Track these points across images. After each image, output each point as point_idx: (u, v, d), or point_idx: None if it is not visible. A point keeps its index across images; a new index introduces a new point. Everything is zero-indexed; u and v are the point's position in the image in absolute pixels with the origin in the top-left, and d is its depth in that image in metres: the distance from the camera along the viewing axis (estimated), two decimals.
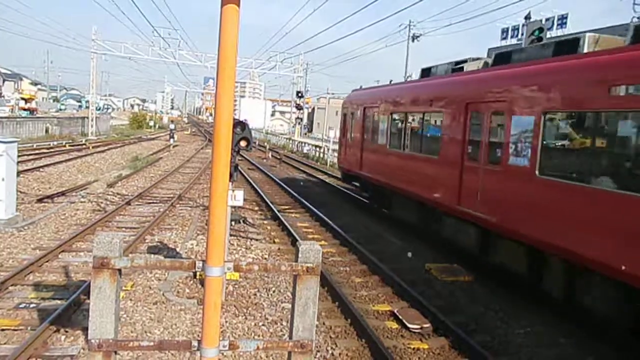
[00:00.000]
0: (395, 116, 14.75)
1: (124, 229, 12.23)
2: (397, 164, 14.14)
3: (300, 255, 3.45)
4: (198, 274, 8.45)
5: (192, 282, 8.71)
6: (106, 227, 12.31)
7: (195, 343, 3.23)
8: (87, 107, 54.28)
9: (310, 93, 70.59)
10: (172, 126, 43.96)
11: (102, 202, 15.36)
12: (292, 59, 48.21)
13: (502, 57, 10.57)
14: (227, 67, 2.92)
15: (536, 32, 17.60)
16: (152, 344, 4.01)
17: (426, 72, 14.31)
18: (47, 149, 30.20)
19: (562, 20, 33.60)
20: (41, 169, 21.03)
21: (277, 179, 23.52)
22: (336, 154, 25.36)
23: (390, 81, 20.34)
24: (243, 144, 8.05)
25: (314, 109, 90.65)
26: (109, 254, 3.25)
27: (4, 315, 6.96)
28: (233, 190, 8.03)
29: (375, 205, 16.61)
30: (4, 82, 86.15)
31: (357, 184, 18.43)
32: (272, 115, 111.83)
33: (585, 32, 10.60)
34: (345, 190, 20.85)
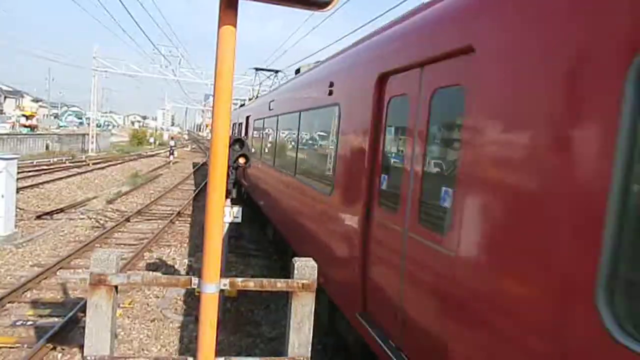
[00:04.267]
0: None
1: (122, 245, 12.21)
2: None
3: (295, 271, 3.47)
4: (195, 290, 8.43)
5: (190, 299, 8.69)
6: (105, 244, 12.30)
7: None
8: (88, 124, 54.53)
9: None
10: (172, 143, 44.12)
11: (101, 219, 15.37)
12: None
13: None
14: (223, 85, 2.98)
15: None
16: None
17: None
18: (47, 165, 30.26)
19: None
20: (41, 186, 21.06)
21: None
22: None
23: None
24: (242, 161, 8.10)
25: None
26: (106, 271, 3.27)
27: (1, 333, 6.93)
28: (232, 207, 8.05)
29: None
30: (5, 99, 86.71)
31: None
32: None
33: None
34: None
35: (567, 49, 2.45)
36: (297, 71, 11.34)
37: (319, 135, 7.62)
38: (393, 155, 4.66)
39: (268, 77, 23.10)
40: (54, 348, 6.49)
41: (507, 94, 2.86)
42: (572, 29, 2.44)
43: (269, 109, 12.06)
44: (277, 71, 21.61)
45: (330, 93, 6.47)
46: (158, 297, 8.75)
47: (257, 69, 22.86)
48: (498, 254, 2.86)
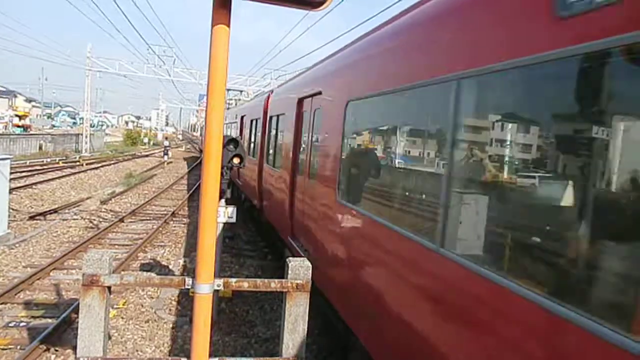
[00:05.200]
0: None
1: (116, 246, 12.16)
2: None
3: (290, 272, 3.46)
4: (189, 291, 8.40)
5: (184, 299, 8.66)
6: (99, 245, 12.24)
7: None
8: (82, 124, 54.24)
9: None
10: (166, 143, 43.96)
11: (95, 219, 15.29)
12: (287, 76, 48.43)
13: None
14: (217, 84, 2.97)
15: None
16: None
17: None
18: (40, 165, 30.08)
19: None
20: (34, 186, 20.94)
21: None
22: None
23: None
24: (236, 160, 8.08)
25: None
26: (99, 271, 3.25)
27: None
28: (226, 207, 8.03)
29: None
30: None
31: None
32: None
33: None
34: None
35: None
36: (239, 101, 25.49)
37: (234, 132, 19.52)
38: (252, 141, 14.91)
39: (234, 97, 36.83)
40: (47, 349, 6.45)
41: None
42: None
43: (224, 120, 25.08)
44: (241, 91, 40.04)
45: (236, 117, 19.59)
46: (152, 298, 8.71)
47: (227, 90, 38.69)
48: None
